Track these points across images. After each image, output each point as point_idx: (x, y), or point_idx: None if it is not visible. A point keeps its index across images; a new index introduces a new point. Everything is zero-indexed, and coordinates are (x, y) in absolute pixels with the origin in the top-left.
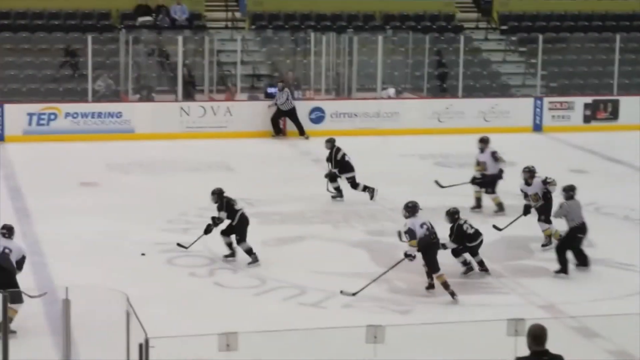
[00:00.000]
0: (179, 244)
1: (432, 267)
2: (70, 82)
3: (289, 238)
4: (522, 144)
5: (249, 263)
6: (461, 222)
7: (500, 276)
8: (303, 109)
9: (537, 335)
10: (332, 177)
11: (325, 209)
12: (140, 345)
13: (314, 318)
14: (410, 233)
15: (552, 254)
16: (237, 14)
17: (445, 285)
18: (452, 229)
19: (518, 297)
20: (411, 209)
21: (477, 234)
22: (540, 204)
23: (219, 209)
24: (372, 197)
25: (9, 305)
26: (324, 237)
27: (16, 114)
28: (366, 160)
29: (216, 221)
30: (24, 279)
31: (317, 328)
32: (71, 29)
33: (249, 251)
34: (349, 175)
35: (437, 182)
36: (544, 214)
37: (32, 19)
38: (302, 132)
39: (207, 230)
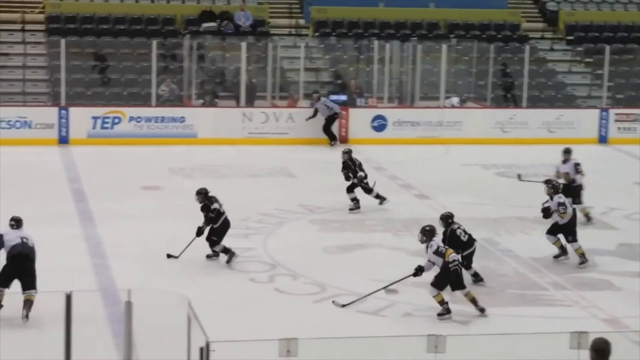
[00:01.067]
0: (169, 255)
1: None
2: (134, 86)
3: (350, 246)
4: (587, 156)
5: (228, 261)
6: (455, 227)
7: (564, 289)
8: (365, 116)
9: (600, 349)
10: (349, 188)
11: (386, 217)
12: (202, 349)
13: (373, 326)
14: (438, 250)
15: (615, 267)
16: (301, 21)
17: (442, 302)
18: (445, 234)
19: (581, 310)
20: (428, 232)
21: (471, 240)
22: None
23: (203, 210)
24: (381, 203)
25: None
26: (384, 246)
27: (81, 117)
28: (428, 169)
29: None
30: (86, 281)
31: (378, 336)
32: (136, 34)
33: (225, 250)
34: (360, 174)
35: (519, 176)
36: (571, 235)
37: (98, 24)
38: (332, 138)
39: (199, 233)
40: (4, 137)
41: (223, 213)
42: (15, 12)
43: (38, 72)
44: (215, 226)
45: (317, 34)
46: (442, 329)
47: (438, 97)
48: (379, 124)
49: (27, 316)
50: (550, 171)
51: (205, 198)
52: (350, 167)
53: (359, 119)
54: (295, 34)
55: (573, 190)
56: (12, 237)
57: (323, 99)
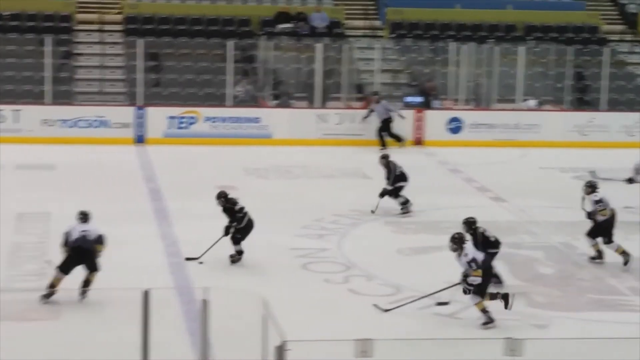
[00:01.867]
0: (188, 258)
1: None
2: (210, 86)
3: (424, 248)
4: None
5: (235, 262)
6: (480, 230)
7: None
8: (441, 118)
9: None
10: (393, 194)
11: (461, 220)
12: (277, 348)
13: (448, 328)
14: (474, 262)
15: None
16: (377, 23)
17: (484, 310)
18: (475, 238)
19: None
20: (458, 240)
21: (497, 242)
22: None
23: (226, 212)
24: (405, 212)
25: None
26: None
27: (157, 117)
28: (504, 172)
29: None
30: (162, 279)
31: (454, 338)
32: (212, 35)
33: (241, 252)
34: (401, 184)
35: (592, 173)
36: (607, 236)
37: (174, 24)
38: (383, 144)
39: (227, 232)
40: (83, 136)
41: (247, 213)
42: (93, 13)
43: (116, 72)
44: (240, 226)
45: (392, 35)
46: (519, 332)
47: (514, 100)
48: (455, 126)
49: (83, 293)
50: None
51: (226, 201)
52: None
53: (434, 121)
54: (371, 36)
55: None
56: (75, 230)
57: (383, 101)
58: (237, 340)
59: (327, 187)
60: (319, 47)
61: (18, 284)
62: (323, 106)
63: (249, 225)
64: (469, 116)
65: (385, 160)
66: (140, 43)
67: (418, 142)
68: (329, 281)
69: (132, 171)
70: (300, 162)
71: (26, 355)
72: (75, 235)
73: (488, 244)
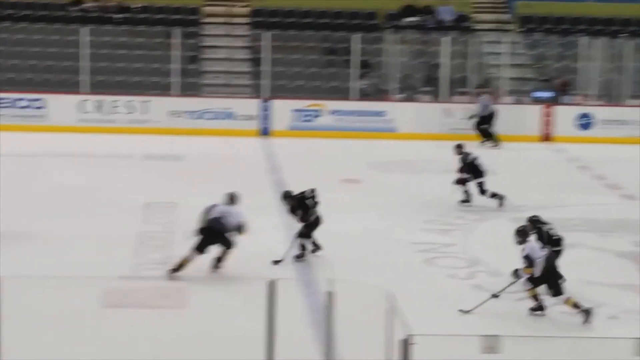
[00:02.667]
0: (275, 261)
1: (556, 290)
2: (335, 79)
3: None
4: None
5: (298, 258)
6: (545, 228)
7: None
8: (571, 114)
9: None
10: (461, 182)
11: (590, 217)
12: (402, 342)
13: (578, 327)
14: (528, 259)
15: None
16: (506, 16)
17: (576, 306)
18: (541, 235)
19: None
20: (521, 233)
21: (560, 240)
22: None
23: (293, 211)
24: (501, 204)
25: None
26: (588, 246)
27: (283, 109)
28: (636, 169)
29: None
30: (287, 270)
31: (582, 337)
32: (338, 28)
33: (305, 247)
34: (480, 180)
35: None
36: None
37: (300, 18)
38: (487, 137)
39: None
40: (208, 128)
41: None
42: (221, 6)
43: (242, 65)
44: (308, 223)
45: (522, 29)
46: None
47: None
48: (585, 122)
49: (215, 266)
50: None
51: (292, 200)
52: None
53: (564, 117)
54: (499, 30)
55: None
56: (216, 210)
57: (484, 96)
58: (361, 333)
59: (452, 181)
60: (445, 41)
61: (144, 272)
62: (449, 100)
63: (317, 222)
64: (600, 112)
65: (459, 150)
66: (266, 36)
67: (546, 138)
68: (453, 276)
69: (256, 163)
70: (425, 156)
71: (152, 341)
72: (213, 214)
73: (553, 242)
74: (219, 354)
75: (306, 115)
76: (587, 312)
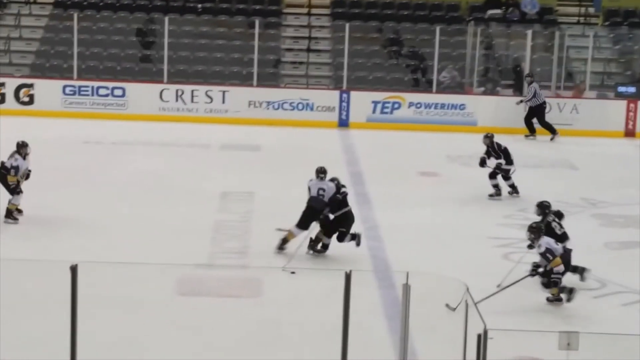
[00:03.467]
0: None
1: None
2: (415, 72)
3: (634, 242)
4: None
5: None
6: (550, 218)
7: None
8: None
9: None
10: (491, 175)
11: None
12: (479, 336)
13: None
14: (550, 253)
15: None
16: (591, 10)
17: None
18: (549, 228)
19: None
20: (536, 230)
21: (565, 236)
22: None
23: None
24: (512, 193)
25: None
26: None
27: (362, 101)
28: None
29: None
30: (362, 262)
31: None
32: (420, 20)
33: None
34: (509, 167)
35: None
36: None
37: (381, 9)
38: (552, 131)
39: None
40: (287, 118)
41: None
42: None
43: (322, 56)
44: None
45: (607, 23)
46: None
47: None
48: None
49: (314, 250)
50: None
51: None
52: (492, 153)
53: None
54: (584, 23)
55: None
56: (314, 188)
57: (535, 84)
58: (437, 326)
59: (532, 177)
60: (529, 33)
61: (220, 260)
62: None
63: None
64: None
65: (489, 140)
66: (347, 27)
67: (630, 133)
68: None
69: (334, 154)
70: None
71: (226, 330)
72: (312, 193)
73: (554, 237)
74: (293, 344)
75: (385, 108)
76: (570, 291)
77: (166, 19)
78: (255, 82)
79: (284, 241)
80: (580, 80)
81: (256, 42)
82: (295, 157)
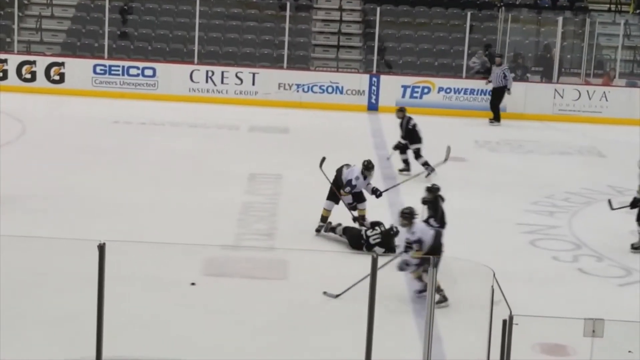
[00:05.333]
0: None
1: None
2: (445, 57)
3: None
4: None
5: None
6: (439, 202)
7: None
8: None
9: None
10: (401, 149)
11: None
12: (504, 322)
13: None
14: (417, 243)
15: None
16: None
17: (420, 279)
18: (436, 211)
19: None
20: (408, 215)
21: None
22: None
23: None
24: (427, 176)
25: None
26: None
27: (391, 85)
28: None
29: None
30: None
31: None
32: (451, 5)
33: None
34: (416, 146)
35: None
36: None
37: None
38: (496, 117)
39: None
40: (316, 102)
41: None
42: None
43: (352, 39)
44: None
45: (638, 11)
46: None
47: None
48: None
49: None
50: None
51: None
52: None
53: None
54: (615, 10)
55: None
56: (360, 186)
57: (505, 65)
58: (463, 311)
59: (560, 163)
60: (559, 20)
61: (246, 242)
62: (559, 81)
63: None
64: None
65: (402, 114)
66: (378, 11)
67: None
68: (557, 259)
69: (363, 138)
70: (534, 137)
71: (251, 311)
72: (357, 189)
73: (442, 218)
74: (318, 327)
75: (415, 92)
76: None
77: (197, 0)
78: (285, 64)
79: (325, 220)
80: (610, 67)
81: (287, 25)
82: (324, 140)
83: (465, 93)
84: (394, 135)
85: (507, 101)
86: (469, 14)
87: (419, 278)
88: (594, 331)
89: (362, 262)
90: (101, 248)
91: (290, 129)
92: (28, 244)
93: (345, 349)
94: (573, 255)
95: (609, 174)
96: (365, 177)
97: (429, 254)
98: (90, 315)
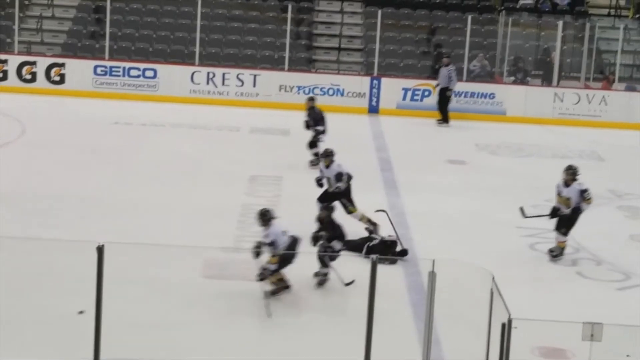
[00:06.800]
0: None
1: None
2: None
3: None
4: None
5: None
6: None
7: None
8: None
9: None
10: (311, 144)
11: None
12: (503, 325)
13: None
14: (273, 246)
15: None
16: (622, 2)
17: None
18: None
19: None
20: (264, 216)
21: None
22: (566, 214)
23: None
24: (312, 165)
25: None
26: None
27: (392, 88)
28: None
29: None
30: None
31: None
32: (452, 8)
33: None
34: (319, 128)
35: (521, 210)
36: (565, 227)
37: None
38: (444, 118)
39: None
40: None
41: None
42: None
43: (353, 42)
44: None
45: (637, 15)
46: None
47: None
48: None
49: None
50: None
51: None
52: (312, 117)
53: None
54: (615, 15)
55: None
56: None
57: (452, 66)
58: (462, 314)
59: (559, 167)
60: (560, 24)
61: (246, 244)
62: (559, 85)
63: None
64: None
65: (311, 102)
66: (379, 13)
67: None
68: (557, 262)
69: (364, 140)
70: (534, 140)
71: (250, 313)
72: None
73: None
74: (317, 329)
75: (415, 95)
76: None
77: (199, 1)
78: (286, 66)
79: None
80: (609, 72)
81: (288, 27)
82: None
83: (465, 96)
84: (395, 137)
85: (507, 105)
86: (469, 17)
87: (279, 280)
88: (592, 335)
89: (362, 263)
90: (100, 250)
91: (291, 131)
92: (28, 244)
93: (345, 350)
94: (572, 258)
95: (608, 178)
96: (327, 166)
97: (284, 259)
98: (89, 317)
